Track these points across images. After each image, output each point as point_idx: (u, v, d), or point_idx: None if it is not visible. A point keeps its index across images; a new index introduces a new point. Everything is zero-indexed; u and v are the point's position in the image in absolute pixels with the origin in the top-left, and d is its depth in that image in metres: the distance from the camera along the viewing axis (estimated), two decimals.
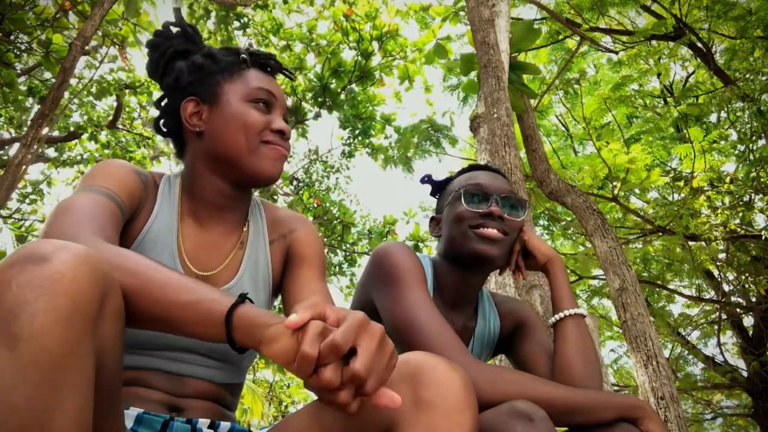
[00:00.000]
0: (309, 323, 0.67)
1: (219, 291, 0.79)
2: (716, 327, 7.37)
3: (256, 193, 1.26)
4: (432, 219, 1.46)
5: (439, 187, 1.50)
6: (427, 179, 1.49)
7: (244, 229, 1.20)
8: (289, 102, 8.47)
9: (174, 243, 1.09)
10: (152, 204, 1.12)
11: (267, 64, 1.21)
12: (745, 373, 7.54)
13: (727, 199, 6.50)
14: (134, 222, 1.09)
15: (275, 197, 8.65)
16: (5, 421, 0.56)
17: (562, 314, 1.24)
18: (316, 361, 0.64)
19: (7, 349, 0.58)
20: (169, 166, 9.73)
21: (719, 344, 7.20)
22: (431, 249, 7.88)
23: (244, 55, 1.17)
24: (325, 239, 7.91)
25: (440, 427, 0.76)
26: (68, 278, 0.63)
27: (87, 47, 4.74)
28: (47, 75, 7.46)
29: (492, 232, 1.27)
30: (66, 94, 6.18)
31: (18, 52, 5.36)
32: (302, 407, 0.96)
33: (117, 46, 6.29)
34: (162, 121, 1.20)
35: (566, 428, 1.09)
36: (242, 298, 0.76)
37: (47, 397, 0.59)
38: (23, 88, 6.90)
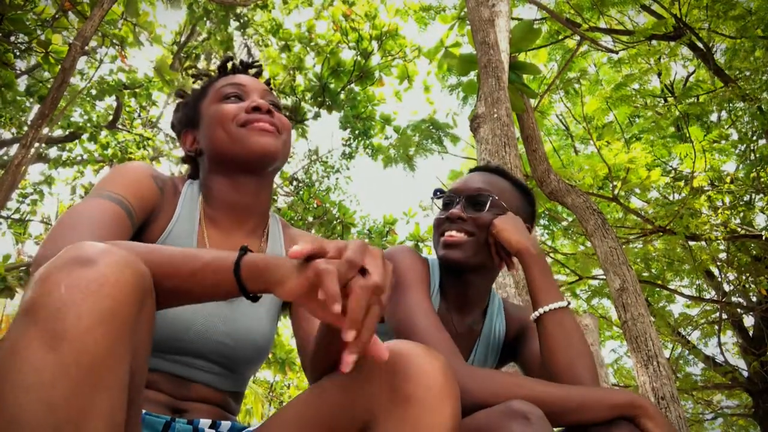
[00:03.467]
0: (316, 263, 0.71)
1: (219, 251, 0.80)
2: (716, 327, 7.36)
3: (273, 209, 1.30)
4: None
5: None
6: (439, 194, 1.50)
7: (263, 240, 1.21)
8: (288, 101, 8.45)
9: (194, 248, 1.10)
10: (171, 210, 1.14)
11: (234, 66, 1.29)
12: (745, 373, 7.54)
13: (727, 199, 6.50)
14: (152, 227, 1.10)
15: (275, 197, 8.65)
16: (43, 418, 0.57)
17: (539, 312, 1.19)
18: (337, 275, 0.68)
19: (51, 348, 0.59)
20: (169, 166, 9.73)
21: (719, 344, 7.20)
22: (431, 249, 7.87)
23: (210, 76, 1.29)
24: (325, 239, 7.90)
25: (420, 419, 0.76)
26: (112, 281, 0.65)
27: (86, 47, 4.74)
28: (47, 75, 7.46)
29: (451, 237, 1.28)
30: (66, 95, 6.18)
31: (18, 53, 5.36)
32: (283, 406, 0.96)
33: (117, 47, 6.29)
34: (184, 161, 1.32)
35: (563, 429, 1.07)
36: (244, 251, 0.78)
37: (85, 397, 0.59)
38: (21, 88, 6.89)
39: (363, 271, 0.70)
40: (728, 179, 6.29)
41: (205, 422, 1.02)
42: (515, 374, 1.11)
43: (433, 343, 1.07)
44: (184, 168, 1.33)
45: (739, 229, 6.37)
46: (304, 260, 0.73)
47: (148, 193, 1.07)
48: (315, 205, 7.90)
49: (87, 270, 0.64)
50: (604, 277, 4.40)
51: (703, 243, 6.46)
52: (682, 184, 6.72)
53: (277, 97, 1.28)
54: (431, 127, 8.46)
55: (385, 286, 0.70)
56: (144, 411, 0.96)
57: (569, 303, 1.23)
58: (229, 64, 1.31)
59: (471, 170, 1.46)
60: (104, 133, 8.16)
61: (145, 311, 0.70)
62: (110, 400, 0.62)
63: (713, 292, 8.01)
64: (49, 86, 6.10)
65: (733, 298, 7.67)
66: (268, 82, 1.34)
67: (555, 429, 1.07)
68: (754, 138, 6.29)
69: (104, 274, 0.64)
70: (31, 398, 0.57)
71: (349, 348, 0.69)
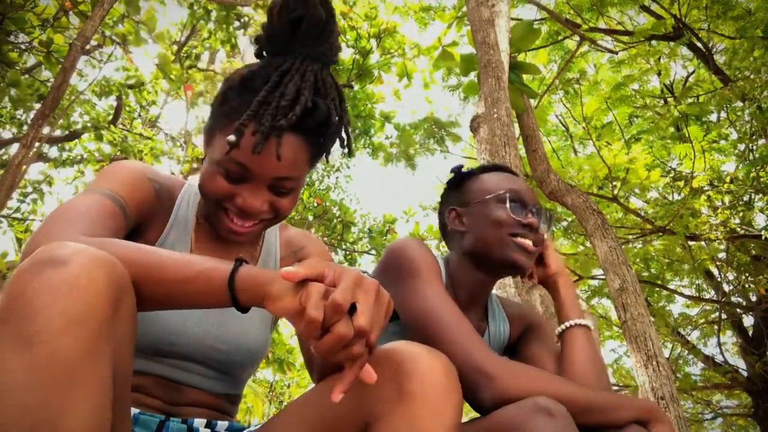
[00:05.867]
0: (310, 286, 0.70)
1: (215, 260, 0.80)
2: (716, 327, 7.37)
3: None
4: (453, 210, 1.38)
5: (463, 178, 1.44)
6: (457, 170, 1.45)
7: (257, 248, 1.19)
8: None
9: None
10: (166, 216, 1.10)
11: (269, 133, 0.91)
12: (745, 373, 7.55)
13: (727, 199, 6.50)
14: (146, 234, 1.07)
15: None
16: (17, 421, 0.57)
17: (571, 322, 1.27)
18: (322, 322, 0.68)
19: (22, 350, 0.59)
20: (169, 165, 9.73)
21: (719, 344, 7.21)
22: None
23: (238, 125, 0.90)
24: (326, 238, 7.91)
25: (422, 417, 0.77)
26: (84, 282, 0.64)
27: (87, 47, 4.74)
28: (46, 73, 7.47)
29: (529, 243, 1.29)
30: (66, 95, 6.18)
31: (19, 52, 5.37)
32: (286, 406, 0.96)
33: (120, 45, 6.29)
34: None
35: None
36: (240, 262, 0.78)
37: (59, 399, 0.59)
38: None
39: (353, 307, 0.70)
40: (728, 179, 6.29)
41: (200, 422, 1.02)
42: (542, 370, 1.13)
43: (460, 334, 1.07)
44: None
45: (738, 229, 6.37)
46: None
47: (144, 193, 1.04)
48: (315, 204, 7.90)
49: (58, 271, 0.64)
50: (604, 277, 4.41)
51: (703, 243, 6.46)
52: (681, 184, 6.73)
53: (298, 172, 1.01)
54: (433, 126, 8.46)
55: (372, 329, 0.69)
56: (138, 411, 0.96)
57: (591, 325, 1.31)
58: (251, 136, 0.91)
59: (501, 168, 1.42)
60: (105, 132, 8.16)
61: (123, 310, 0.70)
62: (88, 400, 0.61)
63: (713, 292, 8.01)
64: (49, 86, 6.10)
65: (733, 298, 7.68)
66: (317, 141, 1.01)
67: None
68: (754, 138, 6.29)
69: (75, 275, 0.64)
70: (5, 400, 0.57)
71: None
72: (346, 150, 1.04)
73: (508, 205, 1.30)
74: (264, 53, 1.01)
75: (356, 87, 8.54)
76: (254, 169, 0.96)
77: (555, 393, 0.99)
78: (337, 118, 0.98)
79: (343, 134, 1.02)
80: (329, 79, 0.99)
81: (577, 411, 1.00)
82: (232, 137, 0.91)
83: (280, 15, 0.94)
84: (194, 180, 1.18)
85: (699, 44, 6.22)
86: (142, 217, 1.05)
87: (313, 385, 1.06)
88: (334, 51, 0.99)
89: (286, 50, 0.97)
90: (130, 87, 7.70)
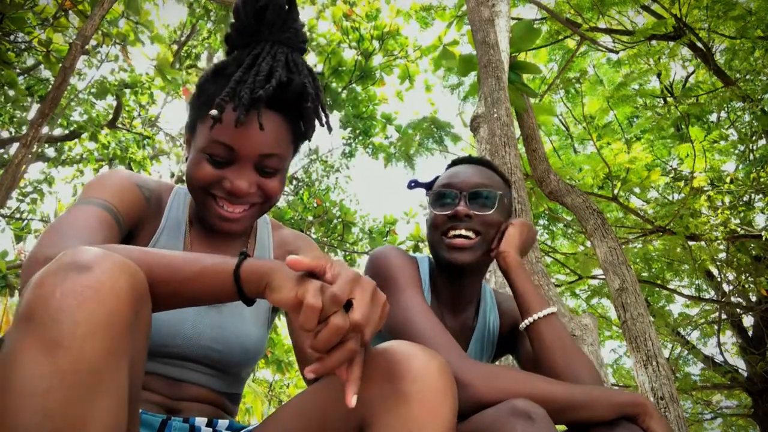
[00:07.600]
0: (309, 281, 0.72)
1: (220, 256, 0.81)
2: (716, 327, 7.37)
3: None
4: (426, 221, 1.40)
5: (428, 188, 1.43)
6: (414, 184, 1.45)
7: (251, 248, 1.20)
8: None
9: None
10: (157, 221, 1.11)
11: (247, 107, 0.94)
12: (744, 373, 7.55)
13: (727, 199, 6.50)
14: (138, 239, 1.08)
15: None
16: (40, 425, 0.57)
17: (535, 316, 1.18)
18: (320, 311, 0.69)
19: (47, 354, 0.59)
20: (169, 165, 9.72)
21: (719, 344, 7.21)
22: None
23: (218, 101, 0.94)
24: (325, 239, 7.91)
25: (418, 417, 0.76)
26: (108, 287, 0.64)
27: (87, 47, 4.74)
28: (46, 73, 7.47)
29: (460, 241, 1.23)
30: (66, 94, 6.18)
31: (18, 52, 5.36)
32: (282, 404, 0.97)
33: (119, 45, 6.29)
34: None
35: (566, 429, 1.07)
36: (244, 255, 0.80)
37: (82, 403, 0.59)
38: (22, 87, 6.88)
39: (349, 304, 0.71)
40: (728, 179, 6.29)
41: (201, 420, 1.03)
42: (519, 370, 1.10)
43: (435, 342, 1.06)
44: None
45: (738, 229, 6.37)
46: (303, 274, 0.73)
47: (134, 200, 1.06)
48: (315, 205, 7.89)
49: (82, 276, 0.64)
50: (604, 277, 4.40)
51: (703, 243, 6.46)
52: (682, 184, 6.73)
53: (282, 150, 1.03)
54: (432, 126, 8.45)
55: (367, 324, 0.71)
56: (140, 410, 0.97)
57: (555, 308, 1.23)
58: (232, 113, 0.95)
59: (455, 162, 1.40)
60: (104, 131, 8.15)
61: (142, 316, 0.71)
62: (109, 405, 0.62)
63: (713, 292, 8.01)
64: (49, 86, 6.10)
65: (733, 298, 7.67)
66: (291, 102, 1.01)
67: (559, 427, 1.07)
68: (754, 138, 6.29)
69: (100, 281, 0.64)
70: (28, 405, 0.57)
71: (314, 368, 0.72)
72: (324, 127, 1.06)
73: (432, 203, 1.27)
74: (235, 50, 1.06)
75: (359, 88, 8.54)
76: (239, 148, 0.98)
77: (532, 393, 0.98)
78: (312, 92, 1.01)
79: (321, 113, 1.04)
80: (300, 60, 1.03)
81: (557, 409, 0.98)
82: (214, 111, 0.93)
83: (245, 7, 1.00)
84: (183, 184, 1.20)
85: (699, 44, 6.22)
86: (134, 224, 1.06)
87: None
88: (300, 37, 1.04)
89: (255, 40, 1.02)
90: (126, 86, 7.69)
